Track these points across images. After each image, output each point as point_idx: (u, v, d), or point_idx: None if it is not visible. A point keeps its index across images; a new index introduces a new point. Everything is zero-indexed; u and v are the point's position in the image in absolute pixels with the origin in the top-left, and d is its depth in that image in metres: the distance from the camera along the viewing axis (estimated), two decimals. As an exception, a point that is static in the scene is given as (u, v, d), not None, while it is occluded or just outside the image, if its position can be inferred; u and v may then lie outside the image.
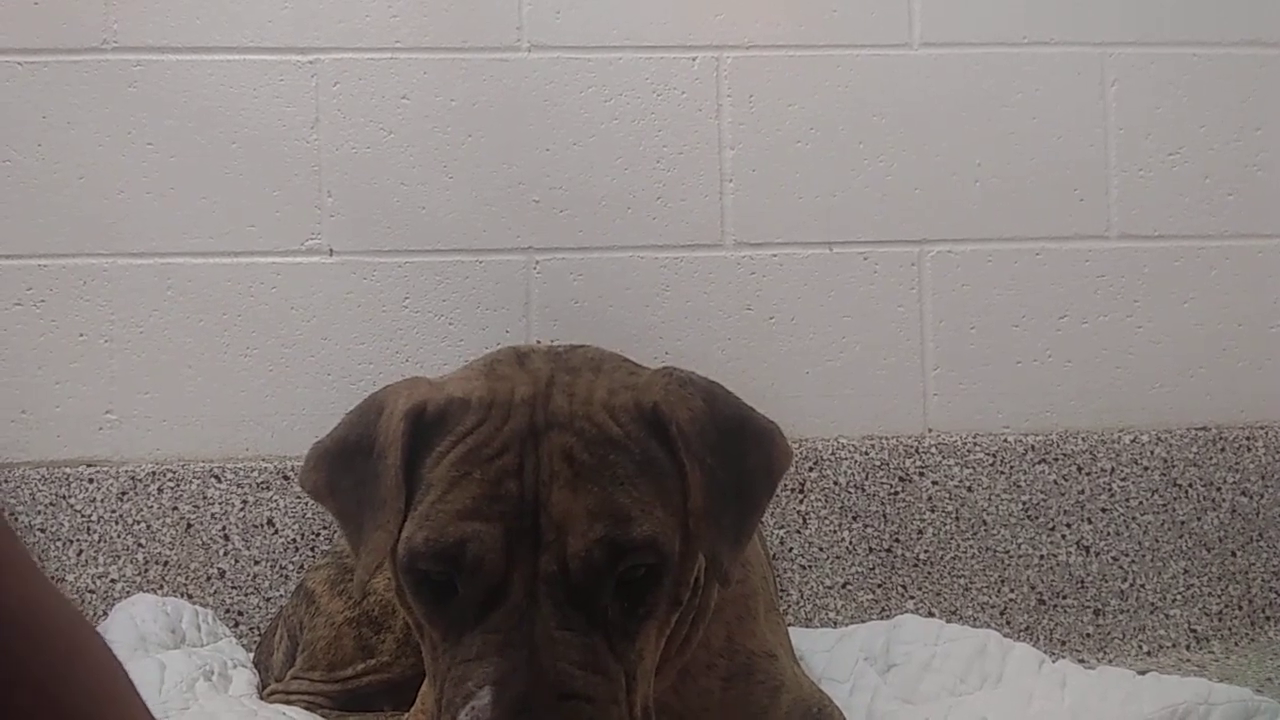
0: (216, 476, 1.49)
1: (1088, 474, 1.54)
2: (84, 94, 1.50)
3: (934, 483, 1.53)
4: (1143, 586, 1.53)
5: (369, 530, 0.76)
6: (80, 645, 0.40)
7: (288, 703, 1.16)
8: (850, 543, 1.52)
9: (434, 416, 0.77)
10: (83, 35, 1.50)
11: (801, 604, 1.51)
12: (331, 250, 1.53)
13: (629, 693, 0.72)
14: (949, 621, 1.34)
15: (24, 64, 1.50)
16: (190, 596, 1.45)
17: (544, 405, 0.76)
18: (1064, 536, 1.53)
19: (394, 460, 0.75)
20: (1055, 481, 1.53)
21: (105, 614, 1.39)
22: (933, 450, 1.53)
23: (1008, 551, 1.52)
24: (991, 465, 1.53)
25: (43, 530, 1.46)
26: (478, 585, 0.70)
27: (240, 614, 1.47)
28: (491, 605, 0.70)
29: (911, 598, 1.51)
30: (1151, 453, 1.54)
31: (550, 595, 0.69)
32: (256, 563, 1.48)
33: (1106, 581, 1.53)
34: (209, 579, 1.47)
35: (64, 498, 1.47)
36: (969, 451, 1.53)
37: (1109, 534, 1.53)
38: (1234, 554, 1.54)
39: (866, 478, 1.52)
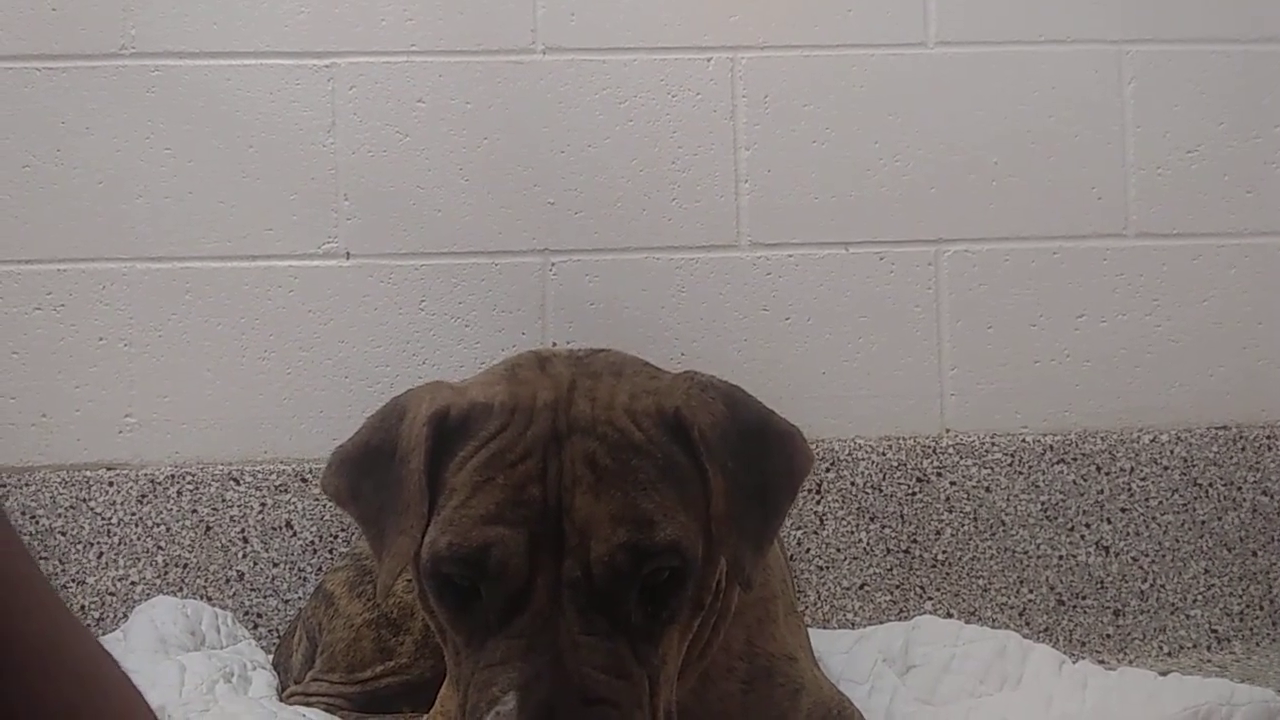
0: (235, 479, 1.49)
1: (1107, 474, 1.53)
2: (102, 99, 1.51)
3: (952, 483, 1.52)
4: (1163, 587, 1.52)
5: (391, 535, 0.76)
6: (100, 676, 0.40)
7: (307, 704, 1.16)
8: (868, 544, 1.51)
9: (457, 421, 0.77)
10: (101, 41, 1.51)
11: (819, 605, 1.50)
12: (348, 253, 1.53)
13: (652, 697, 0.72)
14: (968, 622, 1.34)
15: (42, 69, 1.51)
16: (210, 599, 1.46)
17: (566, 410, 0.76)
18: (1083, 537, 1.52)
19: (417, 465, 0.75)
20: (1074, 481, 1.53)
21: (125, 616, 1.40)
22: (950, 450, 1.53)
23: (1026, 552, 1.52)
24: (1010, 465, 1.53)
25: (63, 533, 1.47)
26: (501, 590, 0.70)
27: (259, 616, 1.48)
28: (515, 610, 0.70)
29: (930, 599, 1.51)
30: (1171, 452, 1.54)
31: (574, 600, 0.69)
32: (275, 565, 1.48)
33: (1126, 582, 1.52)
34: (228, 581, 1.48)
35: (84, 501, 1.48)
36: (987, 451, 1.53)
37: (1129, 534, 1.53)
38: (1255, 554, 1.53)
39: (884, 478, 1.52)
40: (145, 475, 1.49)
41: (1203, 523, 1.53)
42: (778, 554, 1.02)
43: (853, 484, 1.52)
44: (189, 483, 1.49)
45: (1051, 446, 1.53)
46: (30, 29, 1.51)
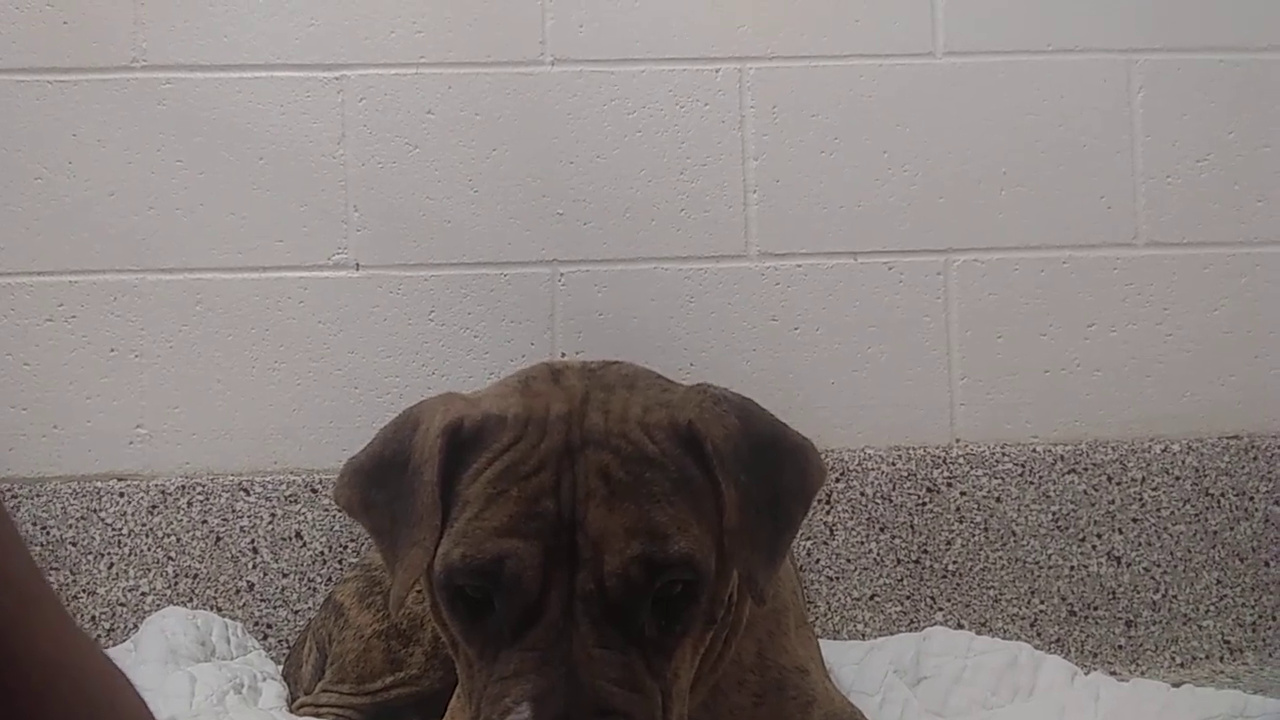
0: (245, 490, 1.49)
1: (1118, 484, 1.53)
2: (113, 112, 1.52)
3: (962, 493, 1.52)
4: (1175, 598, 1.51)
5: (404, 547, 0.76)
6: (111, 697, 0.40)
7: (317, 715, 1.16)
8: (878, 554, 1.51)
9: (470, 433, 0.77)
10: (112, 54, 1.52)
11: (829, 616, 1.50)
12: (358, 264, 1.54)
13: (665, 711, 0.72)
14: (979, 633, 1.33)
15: (54, 82, 1.52)
16: (220, 609, 1.46)
17: (580, 423, 0.76)
18: (1094, 547, 1.52)
19: (430, 477, 0.75)
20: (1085, 491, 1.52)
21: (136, 627, 1.40)
22: (960, 460, 1.52)
23: (1037, 562, 1.51)
24: (1020, 475, 1.52)
25: (74, 544, 1.48)
26: (515, 602, 0.70)
27: (269, 626, 1.48)
28: (528, 623, 0.70)
29: (940, 609, 1.50)
30: (1183, 462, 1.53)
31: (587, 613, 0.69)
32: (285, 575, 1.49)
33: (1138, 593, 1.51)
34: (238, 592, 1.48)
35: (95, 511, 1.48)
36: (997, 462, 1.52)
37: (1140, 544, 1.52)
38: (1267, 564, 1.52)
39: (894, 488, 1.52)
40: (156, 486, 1.49)
41: (1215, 533, 1.52)
42: (788, 566, 1.02)
43: (863, 494, 1.52)
44: (199, 493, 1.49)
45: (1062, 456, 1.53)
46: (42, 42, 1.51)
